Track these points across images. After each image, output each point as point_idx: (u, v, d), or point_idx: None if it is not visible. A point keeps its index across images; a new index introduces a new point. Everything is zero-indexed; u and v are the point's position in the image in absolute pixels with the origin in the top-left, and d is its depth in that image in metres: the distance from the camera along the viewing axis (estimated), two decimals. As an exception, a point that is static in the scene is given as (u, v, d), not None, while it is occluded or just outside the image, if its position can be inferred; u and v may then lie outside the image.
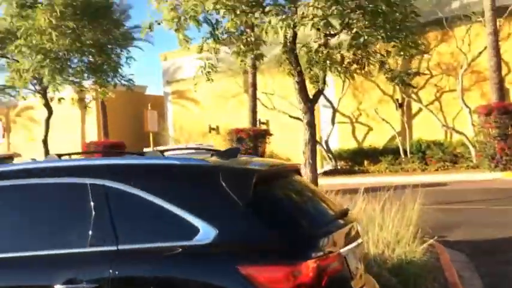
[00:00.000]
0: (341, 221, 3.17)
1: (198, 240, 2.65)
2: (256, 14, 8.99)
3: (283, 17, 8.23)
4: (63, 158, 3.44)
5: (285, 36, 9.29)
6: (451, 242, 7.11)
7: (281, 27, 8.15)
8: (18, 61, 13.27)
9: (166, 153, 3.52)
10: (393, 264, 5.12)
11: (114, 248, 2.73)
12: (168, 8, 9.62)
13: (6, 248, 3.00)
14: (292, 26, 8.58)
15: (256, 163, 3.47)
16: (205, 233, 2.65)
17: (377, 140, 21.92)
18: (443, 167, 19.19)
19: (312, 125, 10.23)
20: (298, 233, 2.73)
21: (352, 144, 22.71)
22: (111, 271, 2.67)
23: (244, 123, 23.77)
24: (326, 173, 20.76)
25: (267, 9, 8.67)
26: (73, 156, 3.75)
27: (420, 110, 21.12)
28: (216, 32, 9.10)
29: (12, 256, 2.97)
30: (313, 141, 10.32)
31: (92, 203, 2.86)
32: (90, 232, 2.80)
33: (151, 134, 16.84)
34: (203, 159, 3.14)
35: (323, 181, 14.70)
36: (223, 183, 2.75)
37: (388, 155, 20.91)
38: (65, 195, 3.05)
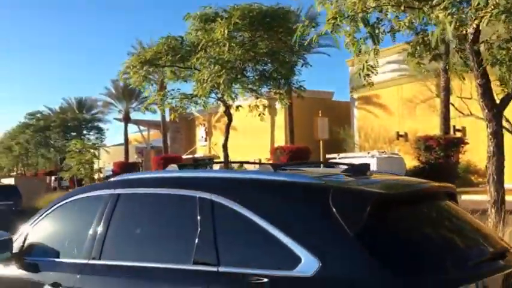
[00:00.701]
0: (500, 262, 2.43)
1: (298, 271, 2.29)
2: (425, 9, 7.92)
3: (452, 10, 7.01)
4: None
5: (463, 33, 8.00)
6: None
7: (450, 23, 6.95)
8: (200, 71, 14.36)
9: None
10: None
11: (214, 269, 2.52)
12: (332, 11, 9.13)
13: (110, 255, 2.99)
14: (467, 21, 7.28)
15: (386, 183, 2.84)
16: (307, 264, 2.27)
17: None
18: None
19: (497, 136, 8.68)
20: (428, 276, 2.11)
21: None
22: None
23: (435, 130, 21.81)
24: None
25: (435, 2, 7.54)
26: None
27: None
28: (377, 32, 8.27)
29: (113, 264, 2.94)
30: (499, 155, 8.74)
31: (198, 218, 2.67)
32: (195, 249, 2.62)
33: (321, 142, 16.47)
34: (316, 177, 2.67)
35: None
36: (333, 207, 2.31)
37: None
38: (175, 207, 2.95)
